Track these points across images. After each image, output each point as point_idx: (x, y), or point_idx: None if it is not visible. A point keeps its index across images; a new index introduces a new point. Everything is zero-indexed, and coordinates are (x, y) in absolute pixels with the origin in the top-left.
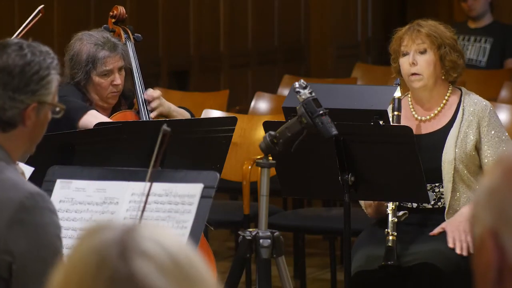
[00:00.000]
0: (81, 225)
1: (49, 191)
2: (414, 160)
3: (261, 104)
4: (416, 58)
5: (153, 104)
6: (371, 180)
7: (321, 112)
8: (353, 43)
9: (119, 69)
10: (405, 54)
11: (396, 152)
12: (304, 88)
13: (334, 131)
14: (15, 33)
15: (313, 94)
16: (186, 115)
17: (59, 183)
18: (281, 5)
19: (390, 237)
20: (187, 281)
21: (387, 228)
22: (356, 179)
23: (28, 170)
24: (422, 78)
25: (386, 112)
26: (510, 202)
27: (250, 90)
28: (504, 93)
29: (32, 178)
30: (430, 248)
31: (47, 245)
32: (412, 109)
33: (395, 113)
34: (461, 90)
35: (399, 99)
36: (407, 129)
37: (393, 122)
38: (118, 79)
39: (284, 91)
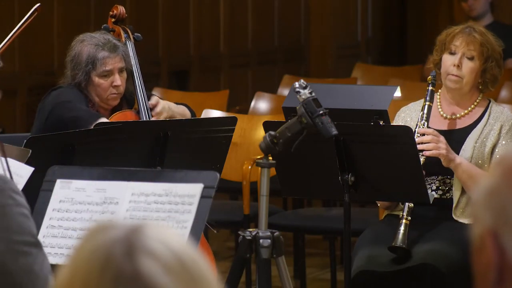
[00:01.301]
0: (81, 225)
1: (49, 191)
2: (414, 160)
3: (261, 104)
4: (462, 61)
5: (158, 109)
6: (371, 180)
7: (321, 112)
8: (353, 43)
9: (120, 70)
10: (452, 53)
11: (396, 152)
12: (304, 88)
13: (334, 131)
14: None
15: (313, 94)
16: (187, 114)
17: (59, 183)
18: (281, 5)
19: (404, 221)
20: (192, 281)
21: (403, 212)
22: (356, 179)
23: (27, 170)
24: (460, 82)
25: (386, 112)
26: (510, 202)
27: (250, 90)
28: (504, 93)
29: (32, 178)
30: (431, 248)
31: (11, 225)
32: (439, 106)
33: (427, 103)
34: (489, 100)
35: (433, 90)
36: (407, 129)
37: (423, 112)
38: (118, 80)
39: (284, 91)
